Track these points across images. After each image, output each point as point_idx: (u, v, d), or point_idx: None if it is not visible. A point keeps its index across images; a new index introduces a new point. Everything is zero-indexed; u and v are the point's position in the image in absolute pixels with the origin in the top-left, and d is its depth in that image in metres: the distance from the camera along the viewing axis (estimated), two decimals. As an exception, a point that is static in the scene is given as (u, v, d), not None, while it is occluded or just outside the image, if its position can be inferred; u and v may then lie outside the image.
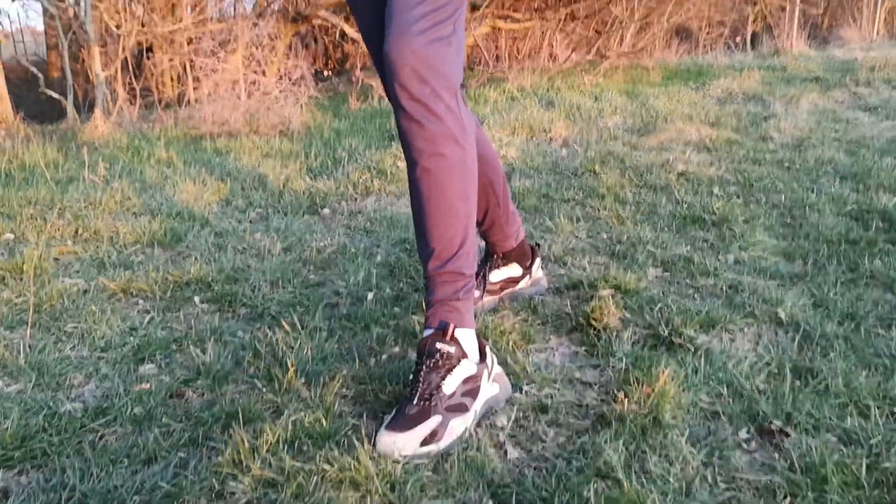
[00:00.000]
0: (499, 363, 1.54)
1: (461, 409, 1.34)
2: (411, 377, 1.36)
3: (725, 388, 1.48)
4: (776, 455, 1.28)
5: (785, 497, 1.18)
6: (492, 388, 1.42)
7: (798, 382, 1.50)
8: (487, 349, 1.44)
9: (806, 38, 9.63)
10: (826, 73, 6.33)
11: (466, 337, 1.40)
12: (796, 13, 9.41)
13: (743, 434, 1.35)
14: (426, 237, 1.39)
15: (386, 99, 5.43)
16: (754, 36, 11.50)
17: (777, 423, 1.36)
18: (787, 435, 1.33)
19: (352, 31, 6.24)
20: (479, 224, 1.78)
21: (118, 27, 4.76)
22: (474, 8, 6.40)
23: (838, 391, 1.45)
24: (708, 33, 9.32)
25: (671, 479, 1.21)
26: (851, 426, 1.34)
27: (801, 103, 4.91)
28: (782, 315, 1.79)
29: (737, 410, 1.41)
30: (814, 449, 1.27)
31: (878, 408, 1.39)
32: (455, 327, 1.37)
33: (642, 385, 1.43)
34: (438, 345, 1.35)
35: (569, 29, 6.98)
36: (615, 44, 6.66)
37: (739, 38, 9.20)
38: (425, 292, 1.43)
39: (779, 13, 10.03)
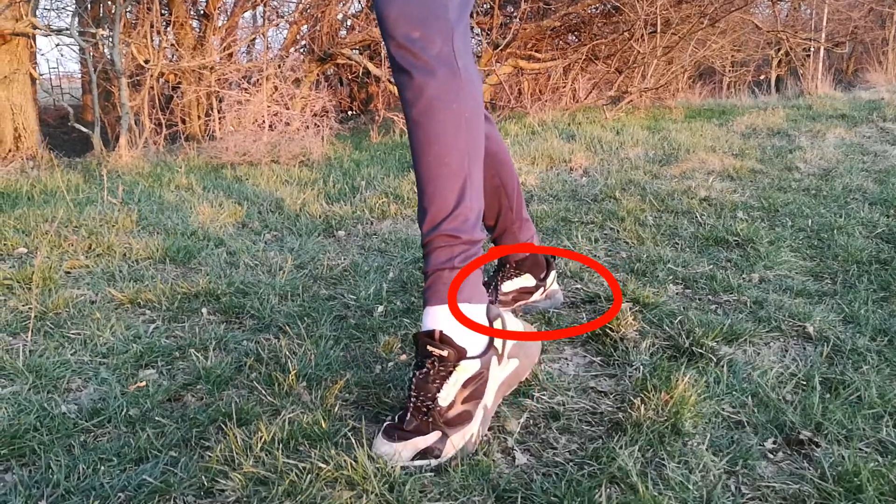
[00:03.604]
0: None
1: (462, 420, 1.22)
2: (411, 375, 1.28)
3: (750, 398, 1.39)
4: (805, 464, 1.20)
5: (815, 507, 1.09)
6: (505, 369, 1.29)
7: (828, 394, 1.41)
8: (498, 321, 1.28)
9: (831, 82, 9.59)
10: (852, 111, 6.26)
11: (472, 311, 1.25)
12: (821, 55, 9.38)
13: (769, 444, 1.26)
14: (421, 199, 1.26)
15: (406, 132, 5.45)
16: (778, 80, 11.48)
17: (806, 434, 1.27)
18: (818, 445, 1.24)
19: (376, 70, 6.32)
20: (491, 229, 1.73)
21: (147, 62, 4.85)
22: (496, 47, 6.46)
23: (872, 402, 1.36)
24: (732, 72, 9.31)
25: (690, 487, 1.13)
26: (887, 436, 1.25)
27: (828, 137, 4.83)
28: (810, 329, 1.70)
29: (762, 420, 1.32)
30: (846, 458, 1.18)
31: (915, 419, 1.30)
32: (441, 332, 1.22)
33: (660, 393, 1.36)
34: (430, 348, 1.22)
35: (591, 69, 7.01)
36: (637, 80, 6.66)
37: (764, 77, 9.17)
38: (423, 264, 1.30)
39: (803, 56, 10.01)
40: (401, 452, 1.17)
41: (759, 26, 8.14)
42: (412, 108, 1.21)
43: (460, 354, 1.23)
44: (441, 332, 1.23)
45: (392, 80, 6.22)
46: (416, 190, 3.27)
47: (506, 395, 1.33)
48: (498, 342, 1.29)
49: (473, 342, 1.26)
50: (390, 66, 1.23)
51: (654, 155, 4.26)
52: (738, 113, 6.36)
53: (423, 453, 1.18)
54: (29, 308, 1.85)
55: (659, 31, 6.20)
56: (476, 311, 1.27)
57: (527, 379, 1.47)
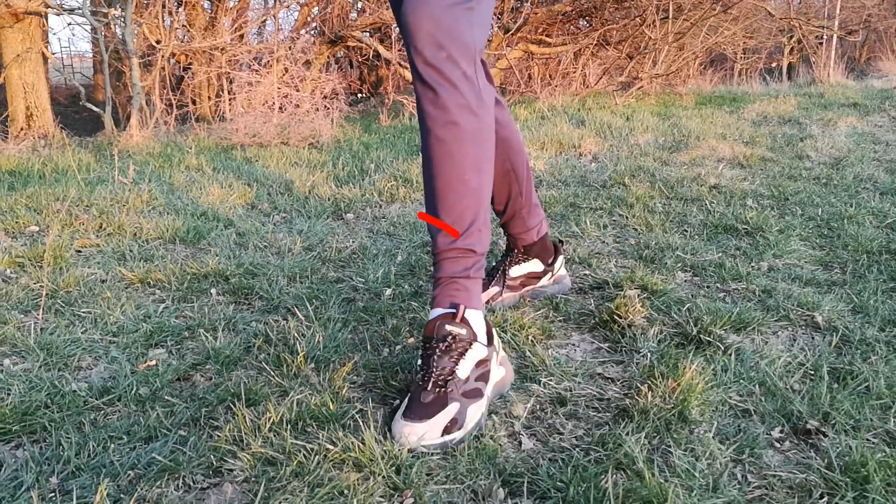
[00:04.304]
0: (517, 357, 1.49)
1: (477, 394, 1.27)
2: (420, 362, 1.30)
3: (757, 387, 1.39)
4: (812, 454, 1.20)
5: (822, 496, 1.09)
6: (499, 371, 1.36)
7: (836, 384, 1.41)
8: (494, 331, 1.37)
9: (844, 70, 9.50)
10: (864, 100, 6.20)
11: (476, 318, 1.33)
12: (834, 43, 9.28)
13: (776, 433, 1.26)
14: (436, 210, 1.33)
15: (416, 115, 5.43)
16: (790, 67, 11.39)
17: (813, 423, 1.27)
18: (825, 435, 1.24)
19: (386, 53, 6.29)
20: (500, 214, 1.72)
21: (158, 42, 4.84)
22: (507, 31, 6.41)
23: (880, 393, 1.36)
24: (744, 59, 9.23)
25: (696, 474, 1.13)
26: (895, 427, 1.25)
27: (839, 126, 4.79)
28: (819, 319, 1.70)
29: (769, 409, 1.32)
30: (854, 449, 1.18)
31: (923, 410, 1.30)
32: (465, 308, 1.31)
33: (667, 380, 1.36)
34: (449, 327, 1.28)
35: (602, 54, 6.96)
36: (648, 67, 6.61)
37: (775, 64, 9.09)
38: (433, 270, 1.37)
39: (816, 44, 9.91)
40: (428, 433, 1.19)
41: (771, 13, 8.06)
42: (435, 123, 1.26)
43: (474, 336, 1.30)
44: (464, 310, 1.29)
45: (402, 63, 6.20)
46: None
47: (493, 399, 1.34)
48: (496, 343, 1.37)
49: (481, 333, 1.33)
50: (415, 78, 1.27)
51: (664, 141, 4.24)
52: (749, 100, 6.31)
53: (449, 427, 1.21)
54: (40, 286, 1.86)
55: (671, 16, 6.15)
56: (478, 315, 1.35)
57: (534, 364, 1.48)
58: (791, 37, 10.90)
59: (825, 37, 9.52)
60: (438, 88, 1.24)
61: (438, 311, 1.32)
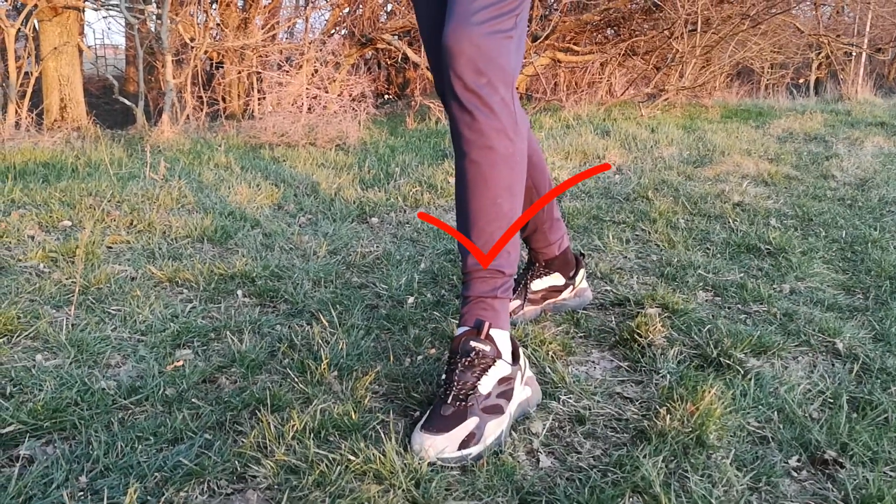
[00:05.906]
0: (537, 372, 1.50)
1: (497, 410, 1.29)
2: (444, 377, 1.32)
3: (776, 414, 1.40)
4: (829, 485, 1.20)
5: (836, 528, 1.10)
6: (524, 391, 1.37)
7: (855, 414, 1.41)
8: (521, 351, 1.39)
9: (872, 87, 9.41)
10: (892, 119, 6.14)
11: (501, 337, 1.36)
12: (862, 60, 9.19)
13: (793, 462, 1.27)
14: (467, 231, 1.36)
15: (443, 120, 5.45)
16: (818, 82, 11.29)
17: (831, 453, 1.27)
18: (842, 465, 1.25)
19: (414, 56, 6.32)
20: (522, 229, 1.74)
21: (192, 39, 4.91)
22: (535, 39, 6.42)
23: (899, 425, 1.36)
24: (771, 73, 9.17)
25: (713, 501, 1.14)
26: (912, 461, 1.25)
27: (866, 145, 4.75)
28: (840, 346, 1.70)
29: (787, 437, 1.33)
30: (871, 482, 1.19)
31: (942, 445, 1.30)
32: (490, 326, 1.33)
33: (686, 403, 1.37)
34: (473, 343, 1.31)
35: (628, 64, 6.95)
36: (675, 79, 6.59)
37: (803, 81, 9.02)
38: (462, 288, 1.40)
39: (844, 60, 9.82)
40: (446, 446, 1.21)
41: (800, 29, 8.00)
42: (472, 147, 1.30)
43: (498, 354, 1.32)
44: (489, 327, 1.32)
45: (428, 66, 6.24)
46: (450, 182, 3.29)
47: (517, 418, 1.36)
48: (522, 363, 1.39)
49: (507, 352, 1.36)
50: (451, 102, 1.29)
51: (689, 155, 4.23)
52: (775, 115, 6.28)
53: (465, 442, 1.22)
54: (72, 282, 1.90)
55: (699, 30, 6.12)
56: (504, 335, 1.37)
57: (553, 381, 1.49)
58: (819, 52, 10.81)
59: (854, 53, 9.43)
60: (477, 113, 1.26)
61: (464, 328, 1.35)
